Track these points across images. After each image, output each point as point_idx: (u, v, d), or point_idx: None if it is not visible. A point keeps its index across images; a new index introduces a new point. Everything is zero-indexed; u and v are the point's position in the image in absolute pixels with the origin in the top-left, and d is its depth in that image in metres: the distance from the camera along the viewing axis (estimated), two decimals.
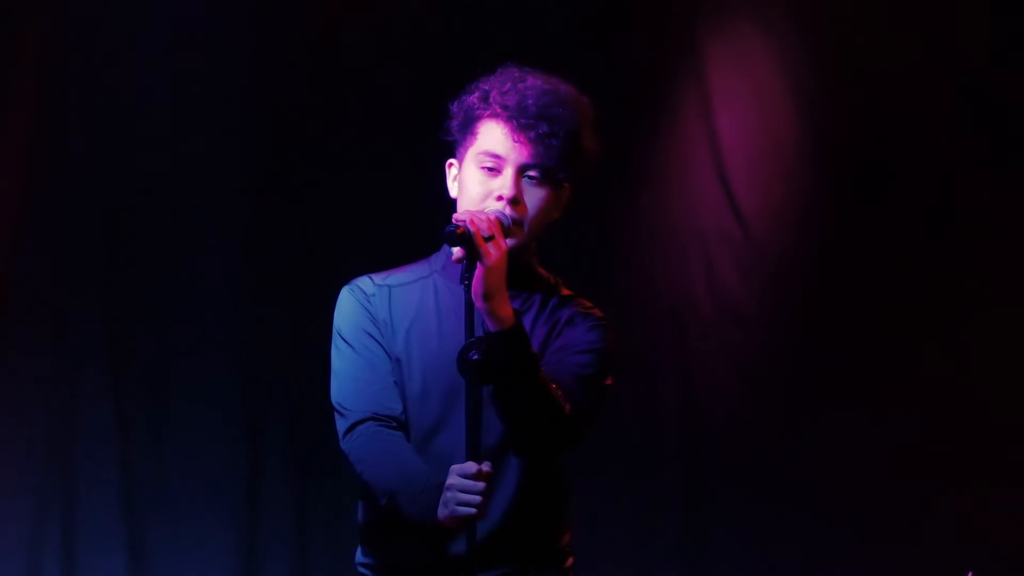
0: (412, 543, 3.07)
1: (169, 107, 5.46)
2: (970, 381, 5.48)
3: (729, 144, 5.63)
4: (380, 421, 3.11)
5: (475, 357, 2.90)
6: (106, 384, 5.41)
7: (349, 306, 3.19)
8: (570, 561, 3.21)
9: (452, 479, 2.93)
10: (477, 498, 2.90)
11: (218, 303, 5.46)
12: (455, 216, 2.98)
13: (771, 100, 5.64)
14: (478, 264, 2.93)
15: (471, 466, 2.92)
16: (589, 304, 3.20)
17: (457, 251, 2.95)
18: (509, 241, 3.05)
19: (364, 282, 3.21)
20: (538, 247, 3.21)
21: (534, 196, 3.10)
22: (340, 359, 3.17)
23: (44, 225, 5.41)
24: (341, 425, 3.16)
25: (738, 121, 5.64)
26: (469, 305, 2.95)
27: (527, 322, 3.11)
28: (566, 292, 3.22)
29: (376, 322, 3.16)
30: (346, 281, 5.37)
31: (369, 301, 3.18)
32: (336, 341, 3.18)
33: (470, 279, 2.94)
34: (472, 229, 2.94)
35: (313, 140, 5.54)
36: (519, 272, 3.11)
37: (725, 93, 5.64)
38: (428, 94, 5.41)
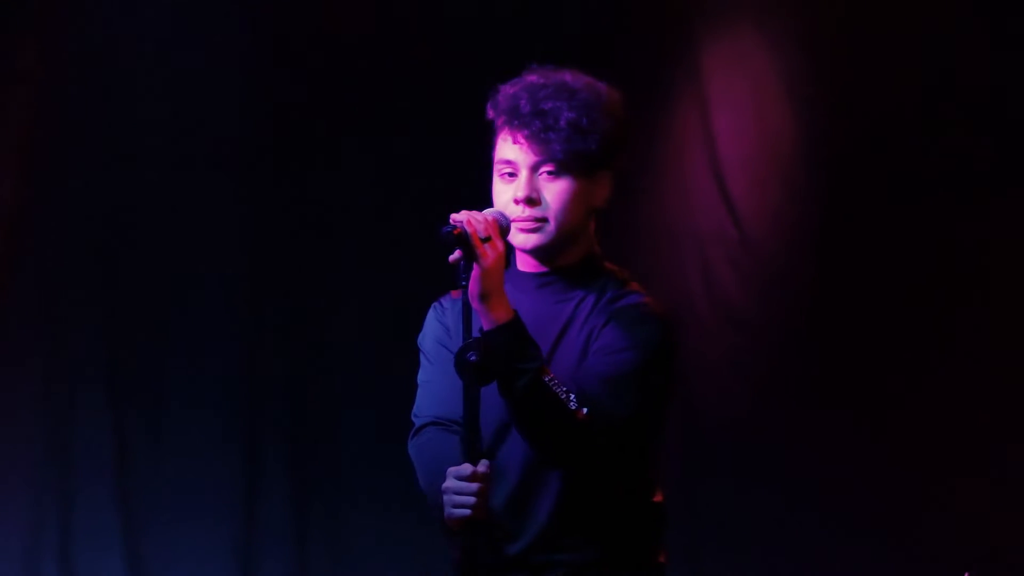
0: (464, 544, 3.03)
1: (166, 114, 5.47)
2: (969, 380, 5.47)
3: (726, 145, 5.63)
4: (441, 425, 3.12)
5: (473, 359, 2.90)
6: (103, 386, 5.42)
7: (428, 321, 3.23)
8: (660, 560, 3.13)
9: (448, 481, 2.93)
10: (471, 499, 2.89)
11: (216, 306, 5.47)
12: (452, 217, 2.97)
13: (768, 101, 5.64)
14: (475, 265, 2.93)
15: (466, 468, 2.91)
16: (646, 299, 3.11)
17: (454, 253, 2.95)
18: (540, 239, 3.07)
19: (445, 298, 3.24)
20: (598, 239, 3.17)
21: (554, 191, 3.08)
22: (420, 371, 3.21)
23: (43, 229, 5.41)
24: (411, 430, 3.18)
25: (735, 122, 5.64)
26: (467, 307, 2.95)
27: (576, 327, 3.08)
28: (633, 286, 3.13)
29: (449, 331, 3.18)
30: (344, 285, 5.45)
31: (444, 313, 3.20)
32: (419, 357, 3.23)
33: (467, 280, 2.94)
34: (469, 230, 2.94)
35: (312, 145, 5.55)
36: (578, 273, 3.12)
37: (722, 94, 5.65)
38: (427, 96, 5.46)
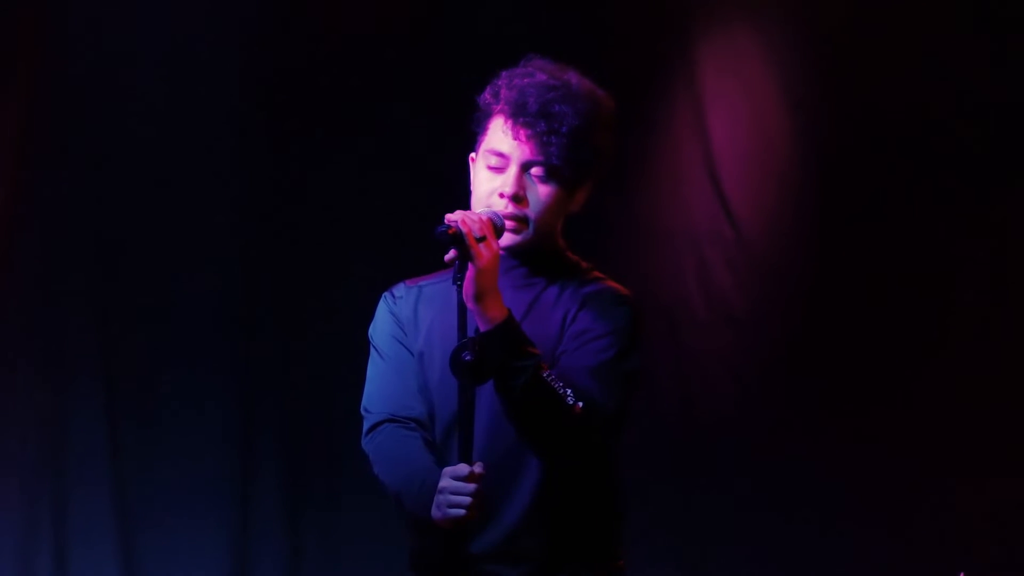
0: (433, 540, 3.06)
1: (164, 115, 5.46)
2: (965, 379, 5.47)
3: (721, 145, 5.63)
4: (398, 422, 3.13)
5: (468, 358, 2.90)
6: (98, 387, 5.41)
7: (380, 313, 3.24)
8: (620, 564, 3.19)
9: (444, 481, 2.94)
10: (467, 499, 2.91)
11: (211, 307, 5.46)
12: (447, 216, 2.98)
13: (763, 101, 5.64)
14: (469, 265, 2.94)
15: (462, 468, 2.92)
16: (614, 285, 3.18)
17: (449, 252, 2.95)
18: (517, 238, 3.10)
19: (398, 287, 3.26)
20: (563, 232, 3.20)
21: (539, 193, 3.11)
22: (370, 364, 3.23)
23: (37, 228, 5.40)
24: (364, 426, 3.19)
25: (730, 122, 5.64)
26: (461, 306, 2.95)
27: (542, 311, 3.11)
28: (595, 275, 3.20)
29: (401, 324, 3.19)
30: (342, 284, 5.44)
31: (396, 303, 3.22)
32: (370, 348, 3.24)
33: (462, 280, 2.94)
34: (464, 230, 2.94)
35: (308, 151, 5.54)
36: (542, 260, 3.15)
37: (717, 94, 5.65)
38: (424, 99, 5.46)
